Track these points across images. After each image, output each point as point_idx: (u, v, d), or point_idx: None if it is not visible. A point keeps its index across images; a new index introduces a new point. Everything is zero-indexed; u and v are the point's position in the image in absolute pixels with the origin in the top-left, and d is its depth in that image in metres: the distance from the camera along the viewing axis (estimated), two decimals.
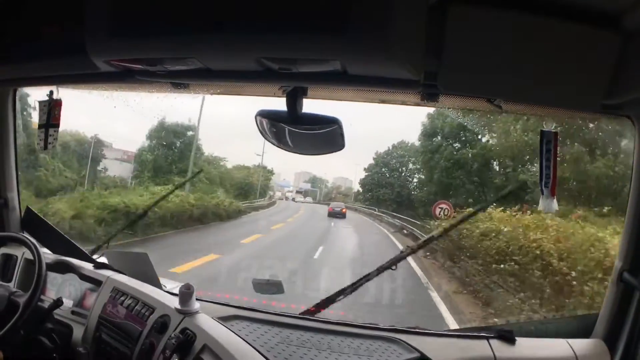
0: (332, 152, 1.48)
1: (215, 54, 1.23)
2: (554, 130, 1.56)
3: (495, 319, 6.80)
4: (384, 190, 27.38)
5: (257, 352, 1.50)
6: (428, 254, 10.32)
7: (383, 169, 28.48)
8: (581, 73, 1.21)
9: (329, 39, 1.08)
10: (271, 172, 32.68)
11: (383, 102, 1.68)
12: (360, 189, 30.93)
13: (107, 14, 1.20)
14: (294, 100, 1.40)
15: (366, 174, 29.68)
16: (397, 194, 26.20)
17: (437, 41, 1.14)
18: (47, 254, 2.11)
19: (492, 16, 1.12)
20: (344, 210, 24.74)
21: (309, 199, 35.05)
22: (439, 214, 12.87)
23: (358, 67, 1.21)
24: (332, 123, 1.38)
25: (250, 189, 28.58)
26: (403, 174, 28.41)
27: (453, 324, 6.34)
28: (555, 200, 1.58)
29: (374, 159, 28.85)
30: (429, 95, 1.45)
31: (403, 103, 1.64)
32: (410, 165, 27.10)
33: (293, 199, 34.24)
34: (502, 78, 1.25)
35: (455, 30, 1.13)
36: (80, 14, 1.24)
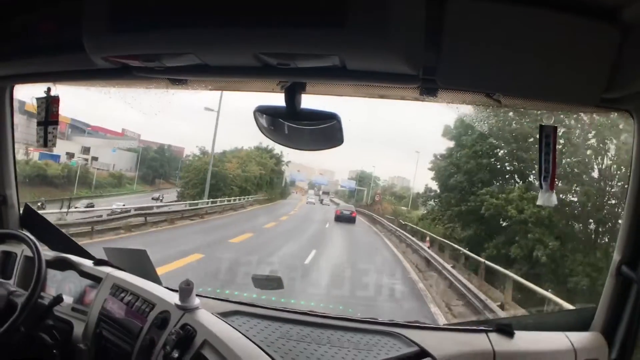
0: (330, 147, 1.48)
1: (213, 50, 1.22)
2: (553, 125, 1.56)
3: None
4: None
5: (257, 347, 1.50)
6: None
7: (499, 140, 14.20)
8: (580, 67, 1.20)
9: (328, 33, 1.07)
10: (279, 159, 25.74)
11: (382, 97, 1.68)
12: (437, 187, 16.65)
13: (104, 11, 1.20)
14: (292, 96, 1.40)
15: (447, 149, 15.94)
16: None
17: (435, 35, 1.14)
18: (46, 251, 2.11)
19: (490, 9, 1.11)
20: (354, 214, 22.54)
21: (326, 199, 30.36)
22: None
23: (357, 61, 1.21)
24: (331, 118, 1.38)
25: (222, 182, 21.42)
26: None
27: None
28: (554, 194, 1.58)
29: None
30: (427, 90, 1.45)
31: (402, 98, 1.64)
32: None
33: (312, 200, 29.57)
34: (501, 72, 1.25)
35: (453, 24, 1.13)
36: (78, 10, 1.23)
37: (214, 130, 22.67)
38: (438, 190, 16.49)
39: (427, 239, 14.84)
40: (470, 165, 15.08)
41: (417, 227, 16.86)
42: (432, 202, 16.83)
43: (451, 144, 16.40)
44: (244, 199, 22.92)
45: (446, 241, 13.65)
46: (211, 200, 20.33)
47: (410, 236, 15.14)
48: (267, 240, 14.42)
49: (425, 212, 18.70)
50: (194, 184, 21.08)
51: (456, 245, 12.67)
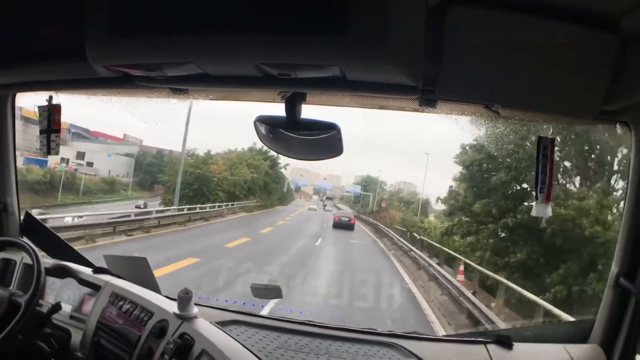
0: (330, 157, 1.49)
1: (214, 59, 1.23)
2: (551, 137, 1.57)
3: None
4: None
5: (255, 357, 1.50)
6: None
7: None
8: (580, 78, 1.22)
9: (328, 43, 1.08)
10: (275, 162, 23.47)
11: (381, 107, 1.69)
12: (464, 190, 11.85)
13: (106, 20, 1.21)
14: (293, 106, 1.41)
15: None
16: None
17: (435, 46, 1.15)
18: (45, 259, 2.11)
19: (490, 21, 1.13)
20: (352, 221, 21.42)
21: (329, 205, 29.23)
22: None
23: (357, 72, 1.22)
24: (330, 129, 1.38)
25: (206, 187, 18.99)
26: None
27: None
28: (549, 206, 1.57)
29: None
30: (427, 101, 1.46)
31: (401, 109, 1.65)
32: None
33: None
34: (501, 84, 1.26)
35: (453, 35, 1.15)
36: (80, 19, 1.24)
37: (186, 119, 19.38)
38: (465, 193, 11.63)
39: (461, 268, 10.25)
40: (519, 156, 9.89)
41: (444, 248, 12.35)
42: (460, 212, 12.21)
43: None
44: (224, 205, 19.72)
45: (505, 281, 8.20)
46: (177, 207, 17.23)
47: (433, 263, 10.57)
48: (213, 272, 9.31)
49: (450, 223, 13.64)
50: (174, 188, 18.47)
51: (530, 295, 7.42)
